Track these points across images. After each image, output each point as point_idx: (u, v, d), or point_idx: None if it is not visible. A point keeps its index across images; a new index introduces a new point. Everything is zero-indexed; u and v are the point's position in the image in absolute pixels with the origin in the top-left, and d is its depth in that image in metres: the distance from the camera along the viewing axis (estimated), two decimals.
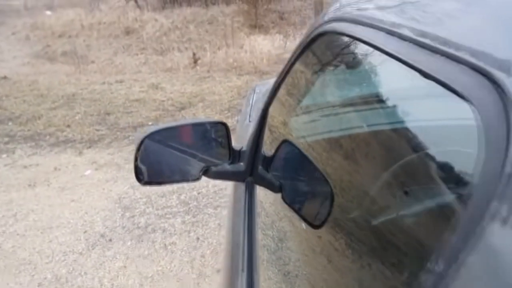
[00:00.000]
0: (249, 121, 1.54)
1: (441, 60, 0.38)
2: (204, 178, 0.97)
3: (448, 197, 0.42)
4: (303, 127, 1.02)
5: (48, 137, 3.82)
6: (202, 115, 4.48)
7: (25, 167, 3.28)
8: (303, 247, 0.83)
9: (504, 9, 0.38)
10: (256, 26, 8.19)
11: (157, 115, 4.41)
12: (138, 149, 0.91)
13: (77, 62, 6.55)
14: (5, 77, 5.74)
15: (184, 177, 0.98)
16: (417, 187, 0.60)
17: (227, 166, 1.01)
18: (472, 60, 0.34)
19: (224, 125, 0.97)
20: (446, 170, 0.47)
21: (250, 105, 1.80)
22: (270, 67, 5.91)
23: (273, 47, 6.55)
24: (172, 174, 0.97)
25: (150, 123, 4.22)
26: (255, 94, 1.86)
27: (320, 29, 0.73)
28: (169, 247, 2.40)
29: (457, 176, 0.42)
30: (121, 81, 5.63)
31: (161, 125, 0.96)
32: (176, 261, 2.29)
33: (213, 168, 0.99)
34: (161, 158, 0.96)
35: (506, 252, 0.24)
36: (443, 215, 0.28)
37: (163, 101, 4.82)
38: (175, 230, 2.54)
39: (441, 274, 0.27)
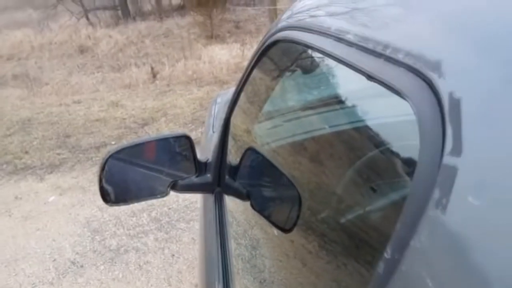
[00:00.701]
0: (213, 132, 1.55)
1: (383, 63, 0.41)
2: (173, 193, 0.98)
3: (404, 190, 0.45)
4: (266, 133, 1.04)
5: (5, 165, 3.66)
6: (165, 129, 4.43)
7: None
8: (276, 253, 0.85)
9: (441, 14, 0.41)
10: (213, 36, 8.21)
11: (120, 134, 4.32)
12: (102, 169, 0.90)
13: (30, 85, 6.31)
14: None
15: (152, 194, 0.98)
16: (381, 182, 0.63)
17: (194, 179, 1.01)
18: (409, 61, 0.37)
19: (187, 138, 0.98)
20: (399, 164, 0.51)
21: (213, 115, 1.81)
22: (229, 76, 5.94)
23: (231, 56, 6.59)
24: (139, 191, 0.97)
25: (113, 142, 4.12)
26: (216, 105, 1.87)
27: (274, 37, 0.75)
28: (144, 266, 2.35)
29: (406, 169, 0.45)
30: (79, 102, 5.47)
31: (124, 144, 0.95)
32: (153, 280, 2.25)
33: (180, 182, 0.99)
34: (127, 177, 0.95)
35: (447, 236, 0.26)
36: (400, 207, 0.31)
37: (124, 118, 4.72)
38: (148, 249, 2.50)
39: (394, 262, 0.29)
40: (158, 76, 6.32)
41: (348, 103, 0.75)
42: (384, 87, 0.40)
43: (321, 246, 0.68)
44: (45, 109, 5.13)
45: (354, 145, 0.71)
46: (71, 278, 2.27)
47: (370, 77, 0.43)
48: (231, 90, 1.51)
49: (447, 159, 0.29)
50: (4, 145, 4.07)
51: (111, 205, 0.94)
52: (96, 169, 4.00)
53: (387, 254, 0.30)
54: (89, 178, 3.37)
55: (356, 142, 0.70)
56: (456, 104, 0.30)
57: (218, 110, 1.79)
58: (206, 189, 1.03)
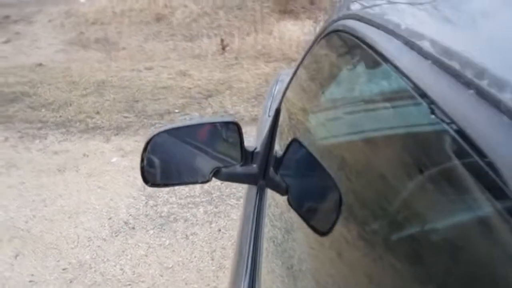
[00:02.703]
0: (268, 116, 1.49)
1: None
2: None
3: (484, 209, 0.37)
4: (317, 127, 0.96)
5: (78, 123, 3.91)
6: (228, 103, 4.45)
7: (55, 153, 3.37)
8: (310, 239, 0.79)
9: None
10: (286, 11, 8.01)
11: (184, 103, 4.42)
12: (145, 150, 0.88)
13: (108, 49, 6.66)
14: (40, 64, 5.91)
15: (193, 179, 0.95)
16: (454, 196, 0.54)
17: (238, 168, 0.97)
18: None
19: (236, 124, 0.93)
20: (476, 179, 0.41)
21: (272, 97, 1.74)
22: (298, 54, 5.78)
23: (302, 32, 6.40)
24: (181, 175, 0.95)
25: (176, 111, 4.24)
26: (277, 85, 1.79)
27: (333, 26, 0.66)
28: (190, 237, 2.41)
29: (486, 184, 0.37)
30: (150, 68, 5.67)
31: (170, 125, 0.93)
32: (197, 252, 2.30)
33: (224, 170, 0.95)
34: (169, 159, 0.93)
35: None
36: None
37: (190, 88, 4.82)
38: (197, 220, 2.55)
39: None
40: (227, 48, 6.34)
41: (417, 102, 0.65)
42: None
43: (361, 237, 0.60)
44: (118, 73, 5.39)
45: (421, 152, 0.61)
46: (122, 238, 2.40)
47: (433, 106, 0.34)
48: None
49: None
50: (80, 104, 4.35)
51: (150, 186, 0.93)
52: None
53: None
54: None
55: (425, 149, 0.60)
56: None
57: (278, 91, 1.72)
58: (249, 180, 0.99)
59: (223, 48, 6.34)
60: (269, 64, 5.60)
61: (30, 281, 2.09)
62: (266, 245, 0.89)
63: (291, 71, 1.89)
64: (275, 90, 1.74)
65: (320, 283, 0.65)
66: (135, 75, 5.35)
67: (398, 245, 0.52)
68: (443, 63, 0.35)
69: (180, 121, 3.93)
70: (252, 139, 1.88)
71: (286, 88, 0.94)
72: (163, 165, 0.93)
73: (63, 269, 2.15)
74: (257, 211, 0.95)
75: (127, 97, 4.57)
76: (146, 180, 0.91)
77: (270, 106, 1.57)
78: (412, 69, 0.39)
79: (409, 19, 0.45)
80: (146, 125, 3.90)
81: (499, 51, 0.33)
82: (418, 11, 0.46)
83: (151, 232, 2.45)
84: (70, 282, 2.07)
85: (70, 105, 4.34)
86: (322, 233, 0.66)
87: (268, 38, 6.50)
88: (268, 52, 6.07)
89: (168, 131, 0.90)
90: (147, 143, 0.88)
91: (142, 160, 0.89)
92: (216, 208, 2.66)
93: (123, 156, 3.27)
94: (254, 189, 1.01)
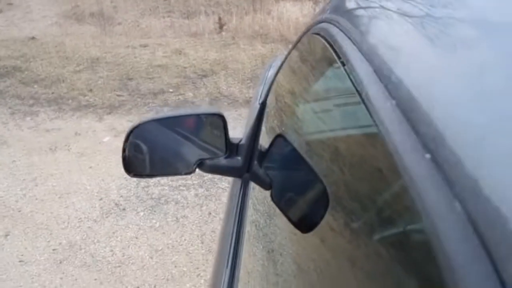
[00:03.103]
0: (259, 104, 1.46)
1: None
2: None
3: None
4: (303, 122, 0.94)
5: (70, 101, 3.87)
6: (223, 84, 4.40)
7: (47, 130, 3.34)
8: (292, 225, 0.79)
9: None
10: None
11: (178, 82, 4.37)
12: (126, 140, 0.86)
13: (103, 24, 6.52)
14: (33, 38, 5.79)
15: (177, 170, 0.94)
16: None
17: (223, 160, 0.95)
18: None
19: (221, 116, 0.91)
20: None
21: (263, 83, 1.71)
22: (296, 36, 5.70)
23: (301, 14, 6.29)
24: (163, 166, 0.93)
25: (171, 90, 4.19)
26: (271, 70, 1.76)
27: (314, 29, 0.64)
28: (180, 220, 2.42)
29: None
30: (145, 45, 5.58)
31: (153, 116, 0.91)
32: (187, 235, 2.31)
33: (208, 162, 0.94)
34: (152, 150, 0.91)
35: None
36: None
37: (185, 67, 4.76)
38: (187, 203, 2.55)
39: None
40: (224, 27, 6.22)
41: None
42: None
43: (347, 224, 0.60)
44: (113, 50, 5.30)
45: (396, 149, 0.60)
46: (113, 219, 2.40)
47: None
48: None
49: None
50: (72, 81, 4.28)
51: (133, 177, 0.92)
52: (151, 115, 4.13)
53: None
54: None
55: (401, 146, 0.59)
56: None
57: (271, 77, 1.69)
58: (234, 173, 0.98)
59: (221, 27, 6.23)
60: (266, 45, 5.51)
61: (20, 261, 2.10)
62: (248, 229, 0.89)
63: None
64: (267, 76, 1.71)
65: (301, 268, 0.65)
66: (130, 52, 5.26)
67: (381, 233, 0.51)
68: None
69: (172, 105, 3.90)
70: (244, 122, 1.86)
71: (273, 81, 0.92)
72: (145, 156, 0.91)
73: (53, 250, 2.16)
74: (241, 204, 0.94)
75: (121, 75, 4.51)
76: (128, 170, 0.89)
77: (261, 93, 1.54)
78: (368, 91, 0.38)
79: (383, 33, 0.43)
80: (140, 104, 3.86)
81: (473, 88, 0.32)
82: (398, 27, 0.44)
83: (142, 214, 2.46)
84: (60, 262, 2.08)
85: (63, 81, 4.27)
86: (305, 230, 0.66)
87: (267, 18, 6.38)
88: (265, 32, 5.97)
89: (151, 122, 0.88)
90: (129, 133, 0.86)
91: (123, 150, 0.87)
92: (207, 191, 2.66)
93: (116, 136, 3.25)
94: (238, 182, 1.00)
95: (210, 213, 2.49)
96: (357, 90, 0.46)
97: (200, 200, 2.59)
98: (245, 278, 0.79)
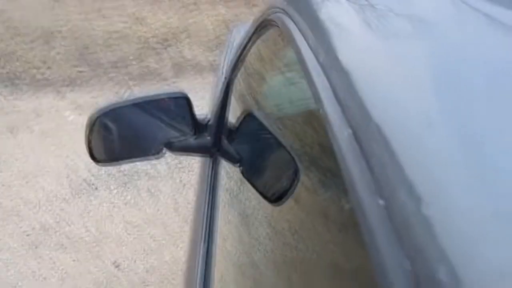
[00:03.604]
0: (225, 77, 1.45)
1: None
2: None
3: None
4: (272, 99, 0.95)
5: (27, 78, 3.68)
6: (188, 52, 4.30)
7: (5, 112, 3.20)
8: (267, 225, 0.82)
9: None
10: None
11: (141, 52, 4.22)
12: (90, 129, 0.85)
13: None
14: None
15: (145, 154, 0.94)
16: None
17: (192, 140, 0.96)
18: None
19: (185, 97, 0.91)
20: None
21: (227, 51, 1.69)
22: None
23: None
24: (131, 151, 0.93)
25: (134, 62, 4.06)
26: (231, 42, 1.73)
27: (267, 18, 0.64)
28: (154, 193, 2.43)
29: None
30: (101, 13, 5.30)
31: (115, 102, 0.89)
32: (162, 208, 2.33)
33: (177, 143, 0.94)
34: (118, 136, 0.90)
35: None
36: None
37: (147, 37, 4.58)
38: (160, 176, 2.55)
39: None
40: None
41: None
42: None
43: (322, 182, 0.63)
44: (68, 20, 5.01)
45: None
46: (85, 198, 2.38)
47: None
48: (249, 24, 1.38)
49: None
50: (27, 56, 4.05)
51: (101, 165, 0.91)
52: (116, 89, 4.00)
53: None
54: (108, 99, 3.37)
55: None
56: None
57: (233, 48, 1.66)
58: (203, 151, 0.99)
59: None
60: (230, 9, 5.35)
61: None
62: (222, 196, 0.92)
63: (245, 24, 1.82)
64: (230, 46, 1.68)
65: (276, 230, 0.68)
66: (86, 22, 4.99)
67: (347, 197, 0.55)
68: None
69: (136, 77, 3.79)
70: (210, 87, 1.84)
71: (238, 57, 0.91)
72: (111, 143, 0.90)
73: (27, 235, 2.14)
74: (212, 183, 0.96)
75: (78, 47, 4.30)
76: (95, 159, 0.89)
77: (224, 65, 1.53)
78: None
79: (336, 28, 0.44)
80: (102, 78, 3.73)
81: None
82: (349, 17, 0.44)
83: (115, 191, 2.44)
84: (36, 247, 2.07)
85: (17, 58, 4.04)
86: (274, 202, 0.69)
87: None
88: None
89: (113, 109, 0.86)
90: (91, 122, 0.85)
91: (88, 140, 0.86)
92: (179, 163, 2.66)
93: (80, 114, 3.14)
94: (209, 160, 1.02)
95: (183, 184, 2.50)
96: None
97: (173, 172, 2.59)
98: (221, 246, 0.82)
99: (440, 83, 0.32)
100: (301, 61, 0.46)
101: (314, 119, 0.78)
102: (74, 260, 2.01)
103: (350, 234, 0.42)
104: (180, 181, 2.52)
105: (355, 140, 0.32)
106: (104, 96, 3.41)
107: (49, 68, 3.84)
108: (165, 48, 4.33)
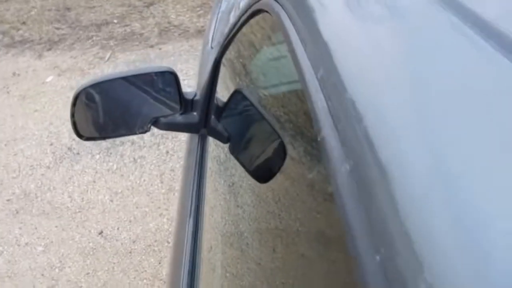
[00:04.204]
0: (211, 48, 1.41)
1: None
2: None
3: None
4: (261, 77, 0.93)
5: (2, 36, 3.51)
6: (172, 12, 4.13)
7: None
8: (255, 202, 0.83)
9: None
10: None
11: (123, 12, 4.05)
12: (74, 104, 0.82)
13: None
14: None
15: (131, 130, 0.92)
16: None
17: (178, 117, 0.94)
18: None
19: (172, 73, 0.88)
20: None
21: (214, 23, 1.63)
22: None
23: None
24: (117, 127, 0.91)
25: (115, 21, 3.89)
26: (219, 13, 1.66)
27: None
28: (138, 160, 2.41)
29: None
30: None
31: (100, 78, 0.86)
32: (146, 176, 2.32)
33: (163, 119, 0.93)
34: (103, 112, 0.88)
35: None
36: None
37: None
38: (144, 143, 2.52)
39: None
40: None
41: None
42: None
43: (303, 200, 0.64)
44: None
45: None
46: (67, 164, 2.35)
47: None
48: None
49: None
50: (3, 15, 3.84)
51: (85, 140, 0.89)
52: (96, 50, 3.85)
53: None
54: (89, 60, 3.26)
55: None
56: None
57: (221, 18, 1.60)
58: (190, 128, 0.97)
59: None
60: None
61: None
62: (210, 165, 0.92)
63: None
64: (218, 15, 1.62)
65: (261, 198, 0.69)
66: None
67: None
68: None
69: (118, 38, 3.65)
70: (198, 53, 1.79)
71: (226, 37, 0.88)
72: (96, 118, 0.88)
73: (7, 200, 2.11)
74: (199, 160, 0.95)
75: (57, 4, 4.09)
76: (79, 134, 0.86)
77: (213, 36, 1.48)
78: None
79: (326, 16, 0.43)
80: (82, 38, 3.58)
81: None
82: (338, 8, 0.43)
83: (97, 157, 2.41)
84: (17, 212, 2.05)
85: None
86: (263, 180, 0.69)
87: None
88: None
89: (97, 84, 0.83)
90: (76, 97, 0.82)
91: (72, 115, 0.83)
92: (164, 130, 2.63)
93: (60, 75, 3.04)
94: (196, 137, 1.00)
95: (167, 152, 2.49)
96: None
97: (157, 139, 2.57)
98: (209, 219, 0.83)
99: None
100: (289, 45, 0.47)
101: (300, 96, 0.78)
102: (56, 227, 2.01)
103: (333, 203, 0.43)
104: (165, 149, 2.50)
105: (329, 112, 0.35)
106: (84, 56, 3.30)
107: (25, 24, 3.66)
108: (148, 7, 4.16)
